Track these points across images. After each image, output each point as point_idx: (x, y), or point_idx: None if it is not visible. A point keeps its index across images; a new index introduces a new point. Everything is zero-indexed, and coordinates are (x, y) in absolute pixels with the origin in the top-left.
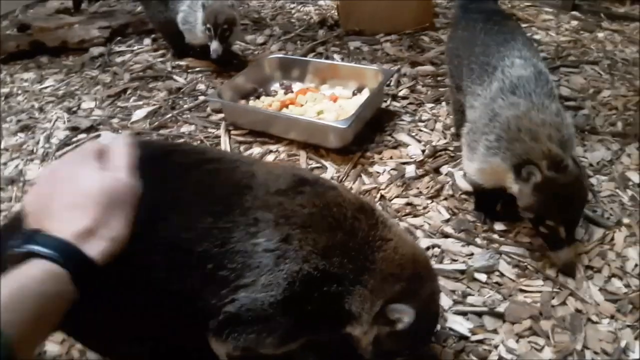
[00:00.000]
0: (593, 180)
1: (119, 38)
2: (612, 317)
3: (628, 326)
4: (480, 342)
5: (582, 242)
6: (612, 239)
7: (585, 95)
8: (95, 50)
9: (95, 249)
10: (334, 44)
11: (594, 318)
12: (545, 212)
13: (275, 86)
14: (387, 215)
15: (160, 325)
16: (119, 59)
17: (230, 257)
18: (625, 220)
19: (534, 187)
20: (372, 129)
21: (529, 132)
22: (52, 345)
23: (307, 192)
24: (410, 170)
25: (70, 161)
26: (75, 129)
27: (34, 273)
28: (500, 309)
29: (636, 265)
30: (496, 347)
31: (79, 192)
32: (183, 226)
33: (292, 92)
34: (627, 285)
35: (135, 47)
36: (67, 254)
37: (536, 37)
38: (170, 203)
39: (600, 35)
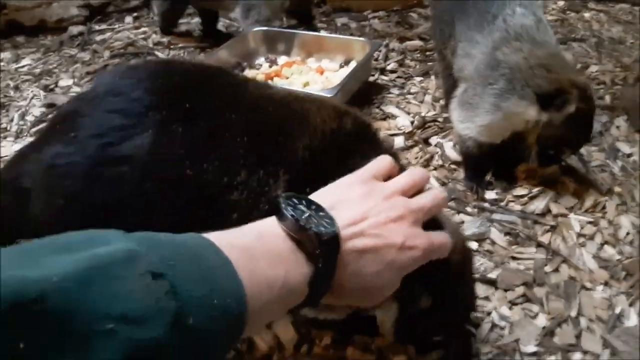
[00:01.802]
0: (583, 151)
1: (99, 17)
2: (606, 284)
3: (622, 293)
4: None
5: (574, 209)
6: (604, 207)
7: None
8: (75, 29)
9: None
10: (320, 20)
11: (588, 285)
12: (570, 141)
13: (261, 60)
14: None
15: None
16: (99, 38)
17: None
18: (617, 189)
19: (566, 117)
20: (359, 101)
21: (545, 66)
22: None
23: None
24: (399, 142)
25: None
26: (51, 106)
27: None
28: (493, 275)
29: (628, 233)
30: (489, 314)
31: None
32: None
33: (277, 65)
34: (620, 253)
35: (117, 26)
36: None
37: None
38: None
39: (587, 15)
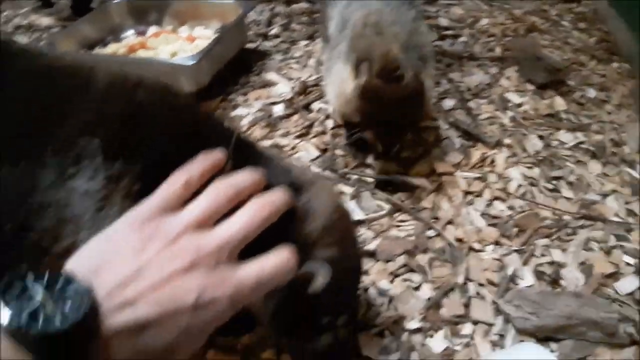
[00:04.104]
0: (472, 104)
1: None
2: (496, 243)
3: (515, 251)
4: None
5: (460, 166)
6: (493, 161)
7: (464, 24)
8: None
9: None
10: None
11: (477, 246)
12: (366, 121)
13: (129, 33)
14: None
15: None
16: None
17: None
18: (507, 141)
19: (358, 88)
20: (236, 70)
21: (375, 27)
22: None
23: None
24: (278, 110)
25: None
26: None
27: None
28: (372, 246)
29: (519, 186)
30: (366, 290)
31: None
32: None
33: (144, 36)
34: (511, 208)
35: None
36: None
37: None
38: None
39: None
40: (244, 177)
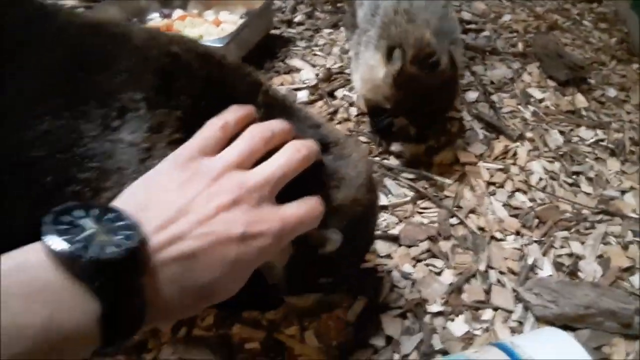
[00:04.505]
0: (494, 98)
1: None
2: (517, 233)
3: (535, 241)
4: (371, 270)
5: (483, 157)
6: (515, 153)
7: (486, 19)
8: None
9: None
10: None
11: (498, 235)
12: (400, 108)
13: (154, 16)
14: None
15: None
16: None
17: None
18: (528, 134)
19: (393, 76)
20: (261, 55)
21: (406, 14)
22: None
23: None
24: (302, 96)
25: None
26: None
27: None
28: (395, 231)
29: (540, 179)
30: (389, 272)
31: None
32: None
33: (170, 19)
34: (532, 200)
35: None
36: None
37: None
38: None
39: None
40: (277, 124)
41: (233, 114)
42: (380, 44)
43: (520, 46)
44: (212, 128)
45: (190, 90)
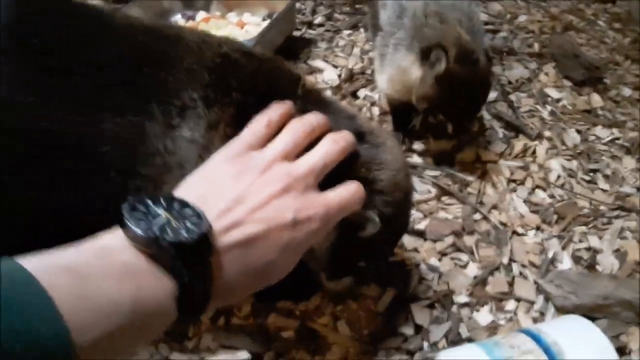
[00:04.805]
0: (512, 97)
1: None
2: (537, 228)
3: (554, 236)
4: (399, 263)
5: (503, 155)
6: (534, 151)
7: (502, 20)
8: None
9: None
10: None
11: (520, 230)
12: (441, 106)
13: (177, 17)
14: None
15: None
16: None
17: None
18: (547, 133)
19: (436, 76)
20: (284, 56)
21: (437, 15)
22: None
23: None
24: None
25: None
26: None
27: None
28: (421, 227)
29: (559, 177)
30: (417, 266)
31: None
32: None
33: (194, 21)
34: (552, 196)
35: None
36: None
37: None
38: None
39: None
40: (315, 118)
41: (276, 111)
42: (414, 46)
43: (536, 46)
44: (258, 125)
45: (240, 87)
